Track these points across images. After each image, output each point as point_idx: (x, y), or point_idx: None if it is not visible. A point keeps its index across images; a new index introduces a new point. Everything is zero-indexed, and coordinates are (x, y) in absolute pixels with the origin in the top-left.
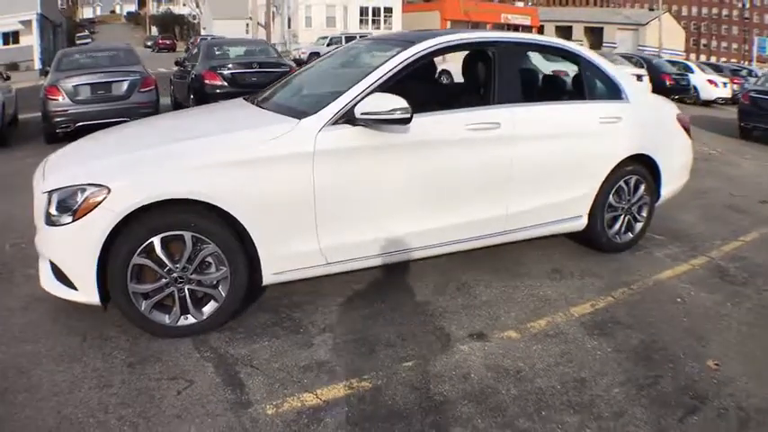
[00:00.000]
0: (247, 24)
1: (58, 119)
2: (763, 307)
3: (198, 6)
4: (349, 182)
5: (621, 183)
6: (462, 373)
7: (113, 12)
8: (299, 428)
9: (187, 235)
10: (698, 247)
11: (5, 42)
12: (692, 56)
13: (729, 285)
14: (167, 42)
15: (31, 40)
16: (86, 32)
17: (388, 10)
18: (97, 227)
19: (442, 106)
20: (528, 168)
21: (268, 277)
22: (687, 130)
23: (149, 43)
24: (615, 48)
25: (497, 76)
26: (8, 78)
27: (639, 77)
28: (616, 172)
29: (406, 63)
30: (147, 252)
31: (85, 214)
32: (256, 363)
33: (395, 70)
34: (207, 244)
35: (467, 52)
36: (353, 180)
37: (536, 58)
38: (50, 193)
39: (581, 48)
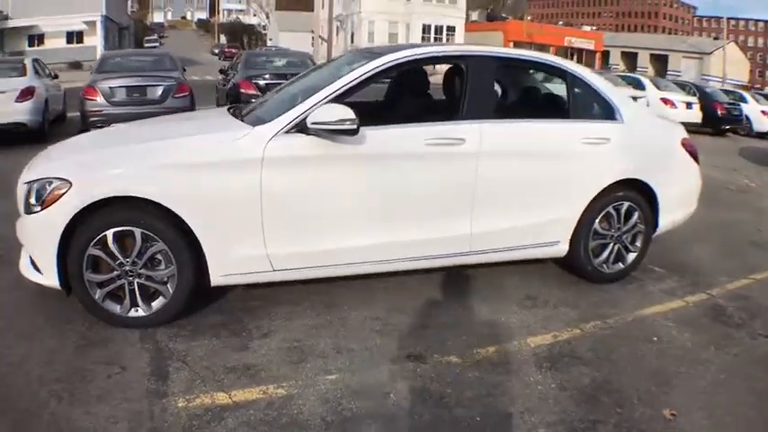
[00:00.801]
0: (313, 38)
1: (94, 118)
2: (751, 354)
3: (267, 18)
4: (299, 190)
5: (610, 209)
6: (382, 392)
7: (184, 18)
8: (200, 423)
9: (137, 231)
10: (699, 283)
11: (69, 41)
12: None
13: (721, 327)
14: (233, 51)
15: (95, 40)
16: (155, 36)
17: (451, 29)
18: (59, 217)
19: (406, 120)
20: (496, 188)
21: (216, 279)
22: (693, 155)
23: (216, 50)
24: (680, 76)
25: (467, 91)
26: (56, 77)
27: (635, 98)
28: (603, 197)
29: (366, 76)
30: (102, 244)
31: (50, 205)
32: (189, 359)
33: (354, 83)
34: (156, 241)
35: (449, 66)
36: (303, 189)
37: (534, 76)
38: (30, 183)
39: (570, 64)
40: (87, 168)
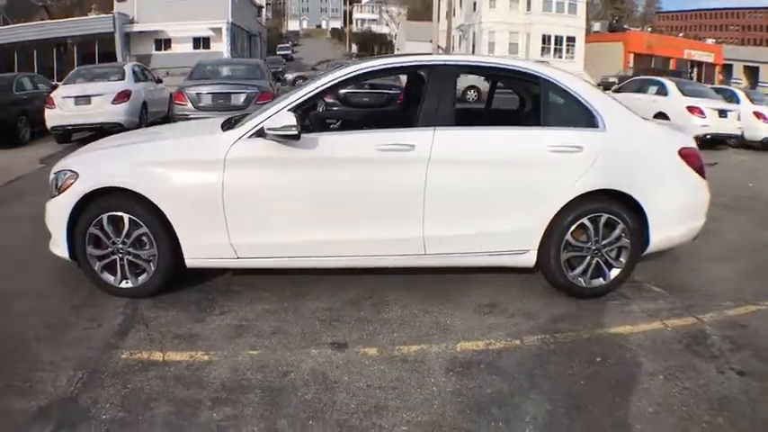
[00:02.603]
0: (438, 46)
1: (179, 121)
2: (706, 390)
3: (397, 27)
4: (256, 187)
5: (585, 220)
6: (285, 371)
7: (319, 26)
8: (128, 371)
9: (125, 216)
10: (695, 307)
11: (196, 47)
12: None
13: (688, 355)
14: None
15: (221, 46)
16: (288, 44)
17: (571, 39)
18: (68, 201)
19: (361, 127)
20: (447, 193)
21: (189, 261)
22: (696, 166)
23: (346, 58)
24: None
25: (425, 99)
26: (160, 81)
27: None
28: (575, 207)
29: (321, 89)
30: (100, 225)
31: (63, 191)
32: (152, 324)
33: (310, 94)
34: (140, 226)
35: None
36: (260, 186)
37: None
38: (56, 174)
39: (545, 69)
40: (89, 164)
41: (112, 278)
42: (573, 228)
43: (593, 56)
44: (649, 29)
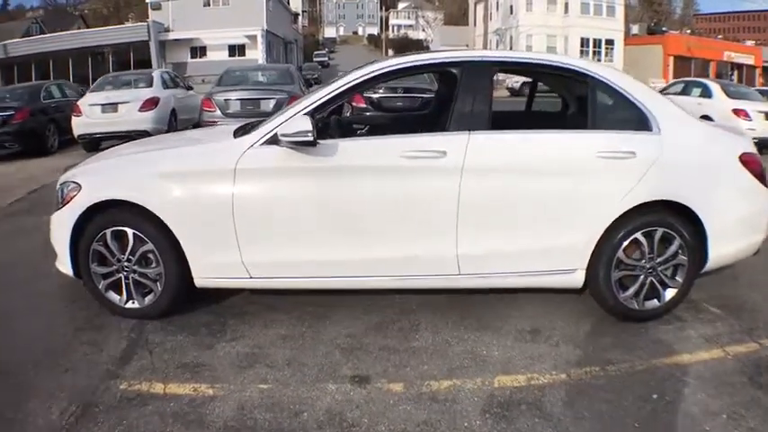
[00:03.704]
0: None
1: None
2: None
3: (434, 32)
4: (270, 200)
5: (638, 235)
6: (295, 410)
7: (356, 33)
8: (124, 405)
9: (129, 232)
10: (756, 330)
11: (231, 54)
12: None
13: (753, 390)
14: None
15: (257, 54)
16: (325, 51)
17: (610, 42)
18: (70, 215)
19: (388, 132)
20: (484, 205)
21: (198, 281)
22: (758, 172)
23: None
24: None
25: (457, 100)
26: (190, 88)
27: None
28: (628, 221)
29: (339, 90)
30: (103, 241)
31: (66, 204)
32: (156, 350)
33: (334, 94)
34: (145, 242)
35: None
36: (275, 198)
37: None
38: (61, 185)
39: (593, 65)
40: (92, 175)
41: (118, 298)
42: (625, 244)
43: (632, 59)
44: (688, 31)
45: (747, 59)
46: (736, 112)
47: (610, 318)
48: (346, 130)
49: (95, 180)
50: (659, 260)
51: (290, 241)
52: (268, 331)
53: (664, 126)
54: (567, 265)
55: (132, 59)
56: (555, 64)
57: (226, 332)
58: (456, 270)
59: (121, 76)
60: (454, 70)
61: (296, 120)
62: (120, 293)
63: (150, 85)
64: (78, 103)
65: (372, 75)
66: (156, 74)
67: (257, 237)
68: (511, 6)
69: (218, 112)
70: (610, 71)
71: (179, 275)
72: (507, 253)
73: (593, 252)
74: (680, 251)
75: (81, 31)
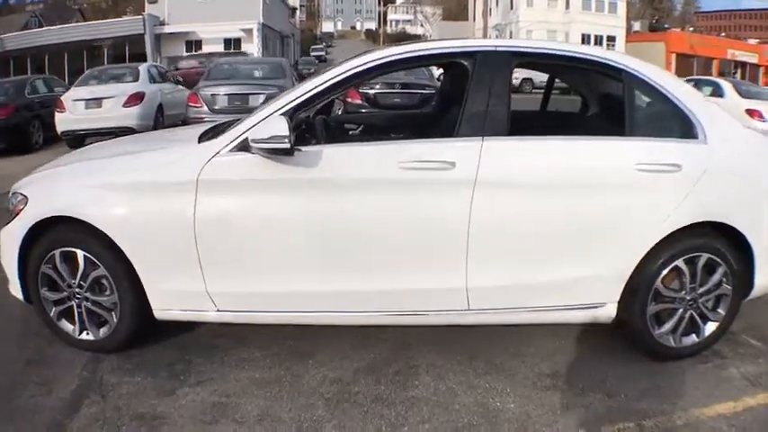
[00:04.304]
0: None
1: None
2: None
3: (432, 27)
4: (239, 218)
5: (680, 262)
6: None
7: (353, 28)
8: None
9: (79, 253)
10: None
11: (227, 48)
12: None
13: None
14: None
15: (252, 47)
16: (322, 45)
17: (611, 38)
18: (17, 231)
19: (385, 135)
20: (500, 227)
21: (158, 312)
22: None
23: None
24: None
25: (468, 98)
26: (180, 82)
27: None
28: (670, 246)
29: (330, 83)
30: (52, 263)
31: (14, 218)
32: (110, 395)
33: (316, 91)
34: (97, 266)
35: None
36: (245, 217)
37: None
38: (12, 195)
39: (629, 59)
40: (39, 185)
41: (71, 328)
42: (664, 272)
43: (633, 56)
44: (691, 29)
45: (751, 58)
46: (750, 112)
47: (639, 355)
48: (335, 131)
49: (41, 191)
50: (701, 291)
51: (264, 269)
52: (239, 373)
53: (710, 133)
54: (596, 298)
55: (127, 53)
56: (587, 57)
57: (190, 373)
58: (464, 305)
59: (107, 71)
60: (465, 62)
61: (270, 122)
62: (73, 323)
63: (136, 79)
64: (62, 98)
65: (366, 67)
66: (142, 68)
67: (224, 263)
68: (511, 1)
69: (205, 108)
70: (650, 67)
71: (136, 305)
72: (526, 285)
73: (627, 282)
74: (724, 280)
75: (76, 24)
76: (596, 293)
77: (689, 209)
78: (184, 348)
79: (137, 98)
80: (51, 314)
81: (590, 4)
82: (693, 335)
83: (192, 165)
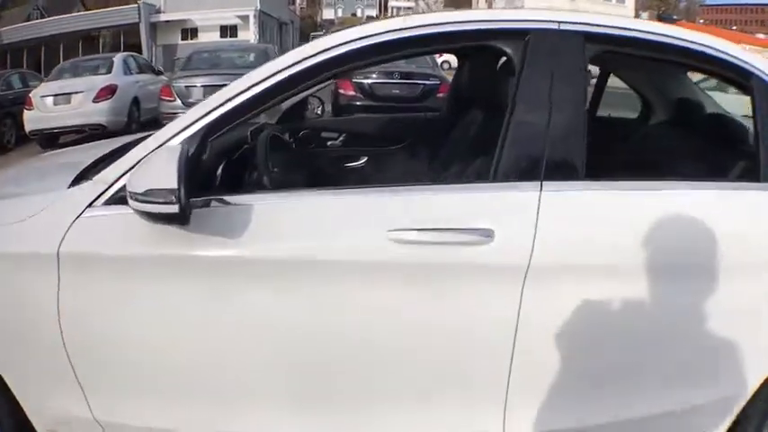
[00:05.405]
0: None
1: (166, 121)
2: None
3: None
4: (122, 316)
5: None
6: None
7: (354, 15)
8: None
9: None
10: None
11: (223, 35)
12: None
13: None
14: None
15: (249, 35)
16: (322, 32)
17: None
18: None
19: (370, 151)
20: (566, 344)
21: None
22: None
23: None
24: None
25: (515, 111)
26: (160, 73)
27: None
28: None
29: (270, 85)
30: None
31: None
32: None
33: (247, 98)
34: None
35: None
36: (137, 314)
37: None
38: None
39: (760, 61)
40: None
41: None
42: None
43: None
44: (701, 21)
45: (762, 52)
46: None
47: None
48: (314, 140)
49: None
50: None
51: (168, 393)
52: None
53: None
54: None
55: (123, 43)
56: (697, 49)
57: None
58: None
59: (81, 63)
60: (508, 48)
61: (153, 161)
62: None
63: (109, 71)
64: (30, 94)
65: (343, 52)
66: (117, 58)
67: (111, 379)
68: None
69: (178, 102)
70: None
71: (17, 428)
72: (597, 427)
73: (742, 412)
74: None
75: (70, 15)
76: (696, 426)
77: None
78: None
79: (108, 92)
80: None
81: None
82: None
83: (52, 227)
